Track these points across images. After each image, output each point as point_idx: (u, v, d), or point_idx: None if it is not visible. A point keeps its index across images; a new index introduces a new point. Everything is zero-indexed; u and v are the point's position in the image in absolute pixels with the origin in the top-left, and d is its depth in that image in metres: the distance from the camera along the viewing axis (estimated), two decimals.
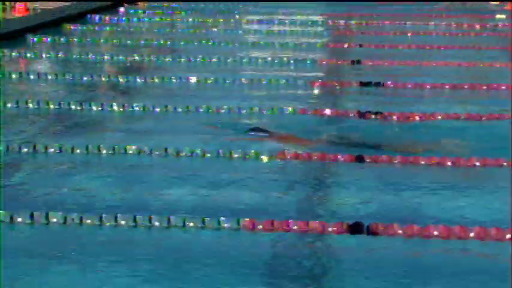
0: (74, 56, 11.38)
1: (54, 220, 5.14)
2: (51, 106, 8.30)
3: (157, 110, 8.17)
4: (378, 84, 9.36)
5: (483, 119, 7.78)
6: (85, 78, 9.85)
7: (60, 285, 4.36)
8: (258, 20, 15.24)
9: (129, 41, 12.68)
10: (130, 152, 6.68)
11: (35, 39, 12.68)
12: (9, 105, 8.28)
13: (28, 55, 11.28)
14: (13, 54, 11.22)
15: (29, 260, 4.67)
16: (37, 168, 6.45)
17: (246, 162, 6.57)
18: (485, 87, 9.22)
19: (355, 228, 5.06)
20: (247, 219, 5.12)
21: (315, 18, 15.82)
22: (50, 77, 9.87)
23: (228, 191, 5.87)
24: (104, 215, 5.15)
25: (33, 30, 13.27)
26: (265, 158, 6.59)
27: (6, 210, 5.21)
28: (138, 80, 9.82)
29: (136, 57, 11.29)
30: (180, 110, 8.02)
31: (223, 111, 8.06)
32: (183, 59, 11.15)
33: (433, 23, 14.83)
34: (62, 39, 12.60)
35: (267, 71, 10.47)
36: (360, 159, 6.51)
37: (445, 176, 6.30)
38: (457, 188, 6.02)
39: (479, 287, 4.41)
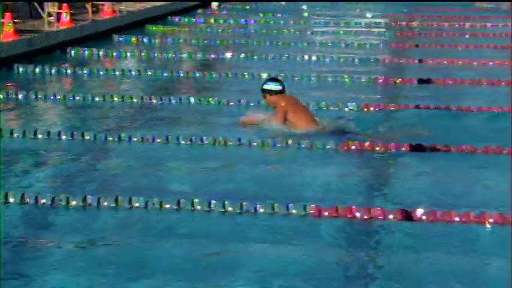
0: (155, 54, 11.49)
1: (137, 204, 5.21)
2: (134, 100, 8.39)
3: (232, 104, 8.20)
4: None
5: None
6: (165, 74, 9.95)
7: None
8: (325, 22, 15.21)
9: (205, 41, 12.76)
10: (206, 142, 6.73)
11: (121, 38, 12.85)
12: (96, 98, 8.40)
13: (114, 53, 11.43)
14: (100, 52, 11.38)
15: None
16: (121, 157, 6.54)
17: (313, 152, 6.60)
18: None
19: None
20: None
21: (378, 20, 15.74)
22: (133, 73, 9.98)
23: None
24: (181, 200, 5.20)
25: (118, 30, 13.48)
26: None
27: (93, 196, 5.29)
28: (214, 75, 9.88)
29: (213, 56, 11.36)
30: (252, 104, 8.03)
31: None
32: (255, 57, 11.19)
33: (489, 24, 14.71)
34: (145, 39, 12.73)
35: (334, 67, 10.47)
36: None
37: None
38: None
39: None
